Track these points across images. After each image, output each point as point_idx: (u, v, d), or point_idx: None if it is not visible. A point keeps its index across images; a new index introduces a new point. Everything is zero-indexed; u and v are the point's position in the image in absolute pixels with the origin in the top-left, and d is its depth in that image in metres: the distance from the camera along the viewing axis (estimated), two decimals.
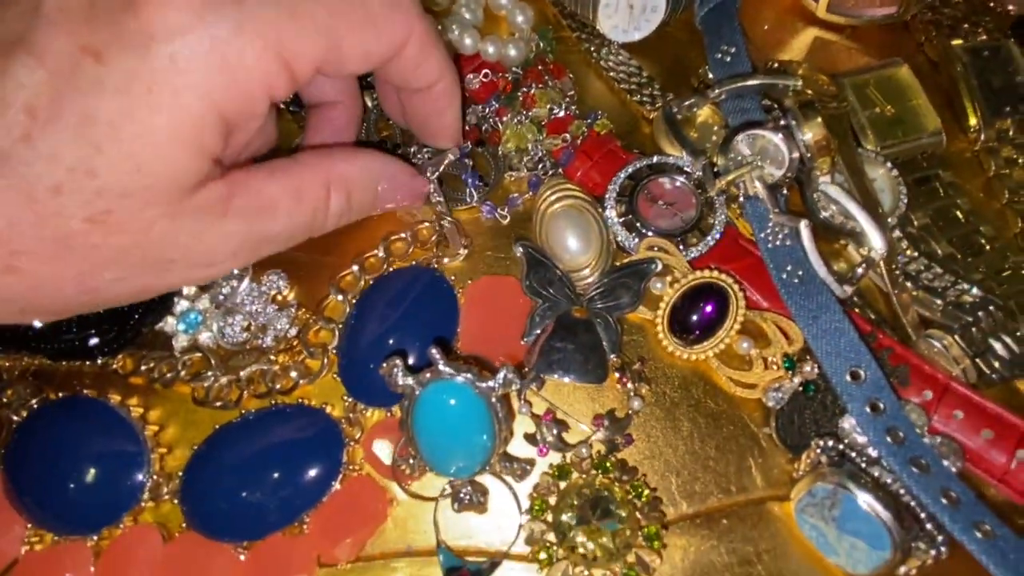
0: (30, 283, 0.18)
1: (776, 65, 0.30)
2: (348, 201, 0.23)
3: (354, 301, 0.27)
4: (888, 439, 0.22)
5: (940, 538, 0.20)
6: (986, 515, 0.20)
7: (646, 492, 0.23)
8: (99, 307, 0.22)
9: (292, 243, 0.23)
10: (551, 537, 0.22)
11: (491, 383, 0.21)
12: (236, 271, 0.27)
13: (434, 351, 0.21)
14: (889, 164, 0.27)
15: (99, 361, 0.27)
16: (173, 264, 0.20)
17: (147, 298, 0.22)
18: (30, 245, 0.18)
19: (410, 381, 0.21)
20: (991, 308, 0.24)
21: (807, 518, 0.22)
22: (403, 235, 0.28)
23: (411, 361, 0.24)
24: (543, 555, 0.22)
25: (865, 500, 0.20)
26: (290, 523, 0.23)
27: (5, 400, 0.26)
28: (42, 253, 0.18)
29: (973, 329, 0.24)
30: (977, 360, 0.25)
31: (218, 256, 0.21)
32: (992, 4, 0.32)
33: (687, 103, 0.29)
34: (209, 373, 0.26)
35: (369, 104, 0.30)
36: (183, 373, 0.26)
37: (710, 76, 0.30)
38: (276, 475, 0.23)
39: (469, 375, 0.21)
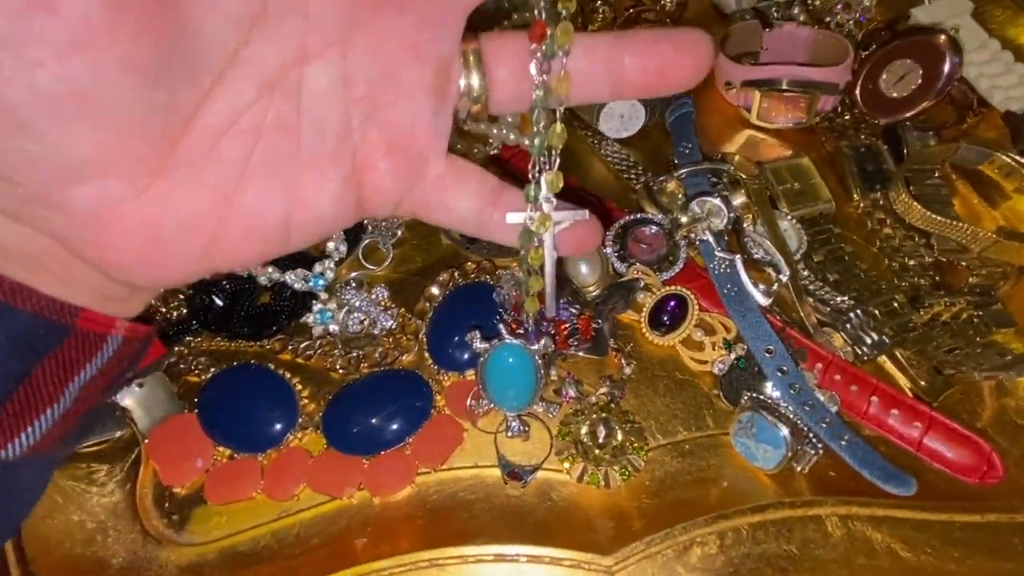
0: None
1: (720, 155, 0.44)
2: None
3: (435, 306, 0.39)
4: (791, 391, 0.34)
5: (819, 446, 0.32)
6: (846, 431, 0.32)
7: (634, 424, 0.34)
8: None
9: None
10: (572, 451, 0.34)
11: (536, 347, 0.33)
12: (353, 284, 0.40)
13: (501, 327, 0.34)
14: (792, 219, 0.41)
15: (258, 343, 0.39)
16: None
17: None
18: None
19: (485, 345, 0.34)
20: (859, 312, 0.37)
21: (738, 438, 0.34)
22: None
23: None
24: (567, 461, 0.33)
25: (770, 420, 0.32)
26: (398, 444, 0.35)
27: (194, 366, 0.38)
28: None
29: (848, 326, 0.37)
30: (852, 346, 0.37)
31: None
32: (868, 116, 0.47)
33: (660, 179, 0.43)
34: (336, 351, 0.39)
35: None
36: (319, 351, 0.39)
37: (675, 161, 0.44)
38: (388, 412, 0.35)
39: (523, 342, 0.33)
